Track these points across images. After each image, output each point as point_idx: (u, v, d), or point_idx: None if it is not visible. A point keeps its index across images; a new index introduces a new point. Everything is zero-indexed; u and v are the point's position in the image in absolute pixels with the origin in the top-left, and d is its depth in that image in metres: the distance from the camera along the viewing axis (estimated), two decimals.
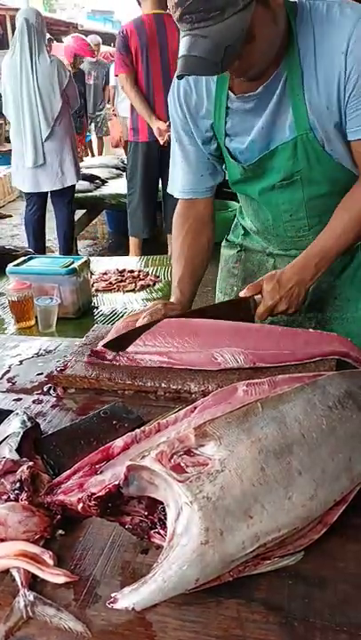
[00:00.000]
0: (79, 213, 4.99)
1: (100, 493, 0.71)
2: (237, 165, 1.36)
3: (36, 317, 1.93)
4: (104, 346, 1.24)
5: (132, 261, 2.96)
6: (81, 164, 4.74)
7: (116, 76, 4.10)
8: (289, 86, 1.21)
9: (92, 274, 2.49)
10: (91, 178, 5.15)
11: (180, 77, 1.15)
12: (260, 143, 1.30)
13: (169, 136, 3.91)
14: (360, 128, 1.20)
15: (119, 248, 4.55)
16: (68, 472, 0.80)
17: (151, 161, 4.00)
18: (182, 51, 1.07)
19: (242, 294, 1.33)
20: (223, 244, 1.71)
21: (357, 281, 1.48)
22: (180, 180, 1.48)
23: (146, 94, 3.90)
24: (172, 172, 1.50)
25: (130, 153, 4.27)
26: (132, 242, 4.38)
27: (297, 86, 1.20)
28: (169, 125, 3.92)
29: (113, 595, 0.64)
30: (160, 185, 4.18)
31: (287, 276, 1.31)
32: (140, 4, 3.92)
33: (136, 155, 4.15)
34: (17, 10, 4.78)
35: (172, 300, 1.42)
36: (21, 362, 1.34)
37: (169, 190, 1.53)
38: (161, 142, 3.90)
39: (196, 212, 1.49)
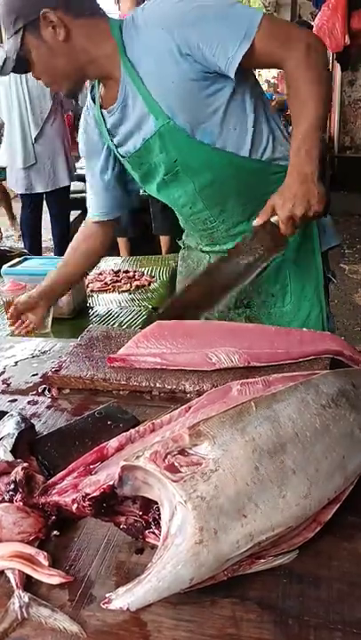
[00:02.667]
0: (74, 214, 4.98)
1: (94, 494, 0.71)
2: (130, 168, 1.50)
3: None
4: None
5: (127, 262, 2.95)
6: (76, 165, 4.73)
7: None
8: (135, 87, 1.32)
9: (87, 274, 2.49)
10: (85, 179, 5.12)
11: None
12: (140, 144, 1.41)
13: None
14: (229, 46, 1.23)
15: (114, 248, 4.55)
16: (63, 473, 0.80)
17: None
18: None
19: (255, 223, 1.28)
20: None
21: (281, 277, 1.50)
22: (89, 203, 1.69)
23: None
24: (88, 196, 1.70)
25: None
26: (120, 242, 4.39)
27: (139, 84, 1.32)
28: None
29: (107, 595, 0.64)
30: None
31: (287, 182, 1.24)
32: (118, 2, 3.94)
33: None
34: None
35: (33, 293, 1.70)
36: (16, 363, 1.34)
37: (89, 216, 1.69)
38: None
39: (94, 232, 1.69)
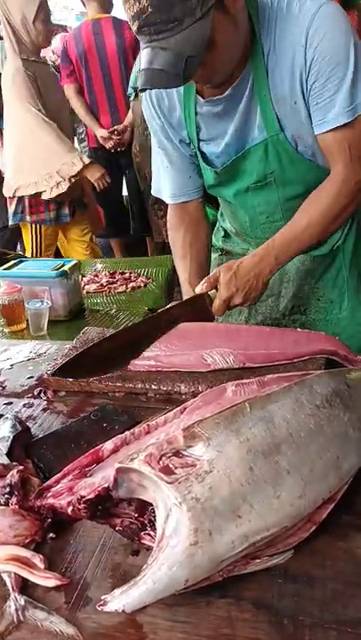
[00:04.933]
0: None
1: (89, 496, 0.72)
2: (210, 170, 1.36)
3: (27, 321, 1.93)
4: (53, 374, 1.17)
5: (122, 263, 2.96)
6: None
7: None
8: (256, 87, 1.20)
9: (83, 276, 2.49)
10: None
11: (142, 91, 1.14)
12: (234, 146, 1.30)
13: (114, 141, 3.93)
14: (321, 121, 1.19)
15: (110, 250, 4.56)
16: (58, 475, 0.80)
17: (103, 164, 4.03)
18: (143, 64, 1.05)
19: (198, 290, 1.29)
20: None
21: (339, 282, 1.48)
22: (167, 186, 1.48)
23: (90, 102, 3.92)
24: (156, 178, 1.50)
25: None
26: (114, 243, 4.41)
27: (263, 86, 1.19)
28: (111, 132, 3.92)
29: (103, 597, 0.64)
30: (124, 187, 4.21)
31: (245, 268, 1.28)
32: (84, 5, 3.95)
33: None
34: None
35: (184, 297, 1.42)
36: (12, 366, 1.34)
37: (155, 194, 1.53)
38: (108, 147, 3.94)
39: (189, 213, 1.49)
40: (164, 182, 1.48)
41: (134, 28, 1.04)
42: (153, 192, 1.54)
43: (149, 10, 0.99)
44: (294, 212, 1.33)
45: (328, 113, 1.17)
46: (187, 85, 1.25)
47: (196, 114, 1.29)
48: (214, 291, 1.29)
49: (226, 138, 1.29)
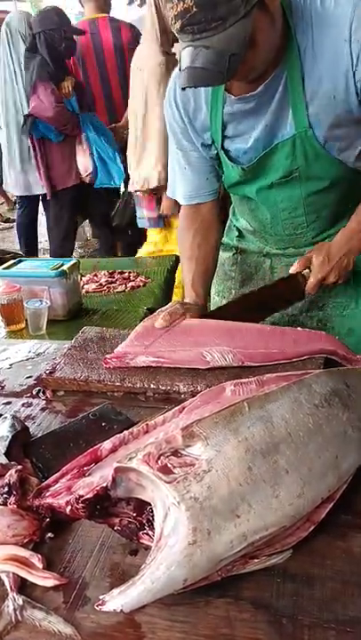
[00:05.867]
0: None
1: (88, 496, 0.71)
2: (236, 167, 1.36)
3: (26, 320, 1.93)
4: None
5: (122, 262, 2.95)
6: None
7: None
8: (290, 83, 1.20)
9: (82, 276, 2.48)
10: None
11: (183, 89, 1.15)
12: (263, 141, 1.29)
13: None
14: None
15: (109, 249, 4.56)
16: (57, 475, 0.80)
17: None
18: (185, 62, 1.06)
19: (292, 270, 1.35)
20: None
21: (356, 277, 1.48)
22: (182, 187, 1.48)
23: (88, 102, 3.92)
24: (172, 178, 1.50)
25: None
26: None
27: (297, 83, 1.19)
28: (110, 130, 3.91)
29: (101, 597, 0.64)
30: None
31: (336, 247, 1.32)
32: (82, 5, 3.96)
33: None
34: (7, 13, 4.78)
35: (186, 300, 1.42)
36: (11, 365, 1.34)
37: (170, 195, 1.54)
38: None
39: (202, 215, 1.49)
40: (180, 183, 1.48)
41: (177, 26, 1.04)
42: (168, 192, 1.54)
43: (194, 9, 1.00)
44: (316, 207, 1.36)
45: None
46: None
47: (223, 112, 1.29)
48: (308, 271, 1.34)
49: (255, 134, 1.29)
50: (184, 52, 1.06)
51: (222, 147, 1.35)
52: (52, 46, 3.44)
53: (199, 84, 1.11)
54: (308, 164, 1.30)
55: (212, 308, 1.62)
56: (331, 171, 1.32)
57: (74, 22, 3.93)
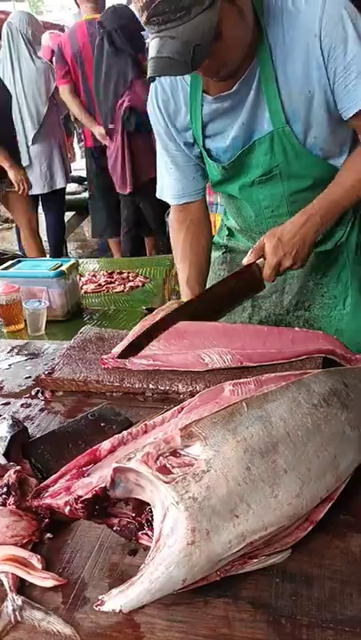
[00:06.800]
0: (68, 215, 4.98)
1: (87, 496, 0.71)
2: (217, 165, 1.37)
3: (26, 321, 1.93)
4: (118, 357, 1.21)
5: (120, 263, 2.95)
6: (72, 166, 4.75)
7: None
8: (263, 81, 1.22)
9: (80, 276, 2.48)
10: (80, 180, 5.15)
11: (151, 80, 1.17)
12: (242, 139, 1.31)
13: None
14: (354, 103, 1.20)
15: (108, 250, 4.56)
16: (56, 475, 0.80)
17: (101, 164, 4.03)
18: (152, 52, 1.08)
19: (245, 261, 1.32)
20: None
21: (343, 278, 1.49)
22: (170, 187, 1.49)
23: (86, 102, 3.93)
24: (160, 179, 1.51)
25: (85, 158, 4.36)
26: (112, 243, 4.41)
27: (270, 80, 1.21)
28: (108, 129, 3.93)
29: (100, 597, 0.64)
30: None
31: (289, 231, 1.28)
32: (78, 5, 3.96)
33: (87, 160, 4.27)
34: (8, 14, 4.80)
35: (183, 299, 1.42)
36: (10, 366, 1.34)
37: (158, 196, 1.54)
38: (105, 144, 3.94)
39: (191, 214, 1.50)
40: (167, 183, 1.49)
41: (143, 18, 1.06)
42: (157, 194, 1.55)
43: (158, 0, 1.02)
44: (300, 205, 1.34)
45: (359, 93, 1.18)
46: (194, 84, 1.27)
47: (202, 111, 1.30)
48: (262, 260, 1.30)
49: (233, 132, 1.30)
50: (151, 43, 1.08)
51: (203, 146, 1.37)
52: (132, 41, 3.47)
53: (165, 72, 1.12)
54: (288, 162, 1.31)
55: None
56: (313, 169, 1.32)
57: (71, 23, 3.93)
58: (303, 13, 1.16)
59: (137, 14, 1.09)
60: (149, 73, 1.09)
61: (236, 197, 1.45)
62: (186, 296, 1.44)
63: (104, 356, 1.22)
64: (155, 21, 1.04)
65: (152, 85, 1.37)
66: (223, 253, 1.66)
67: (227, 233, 1.66)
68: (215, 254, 1.66)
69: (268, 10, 1.18)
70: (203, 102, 1.29)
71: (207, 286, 1.58)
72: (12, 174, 3.51)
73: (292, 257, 1.28)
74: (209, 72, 1.18)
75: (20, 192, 3.58)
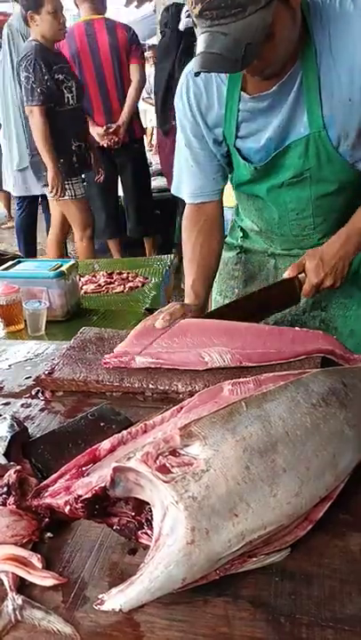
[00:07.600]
0: None
1: (86, 495, 0.72)
2: (248, 166, 1.35)
3: (25, 321, 1.93)
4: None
5: (120, 263, 2.96)
6: None
7: None
8: (305, 84, 1.21)
9: (80, 276, 2.49)
10: None
11: (197, 74, 1.14)
12: (276, 141, 1.30)
13: (111, 140, 3.94)
14: None
15: (108, 250, 4.56)
16: (55, 475, 0.80)
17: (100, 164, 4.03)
18: (201, 47, 1.06)
19: (286, 275, 1.36)
20: None
21: (359, 278, 1.48)
22: (188, 184, 1.47)
23: (85, 102, 3.93)
24: (178, 175, 1.50)
25: None
26: (112, 243, 4.41)
27: (313, 84, 1.20)
28: (106, 130, 3.94)
29: (100, 596, 0.64)
30: (120, 187, 4.22)
31: (330, 252, 1.33)
32: (77, 6, 3.96)
33: None
34: (9, 15, 4.80)
35: (186, 302, 1.42)
36: (10, 366, 1.34)
37: (174, 192, 1.53)
38: (103, 144, 3.94)
39: (206, 213, 1.49)
40: (186, 181, 1.48)
41: (195, 11, 1.04)
42: (172, 190, 1.53)
43: None
44: (324, 210, 1.37)
45: None
46: (232, 81, 1.26)
47: (238, 109, 1.29)
48: (303, 275, 1.36)
49: (268, 133, 1.29)
50: (201, 38, 1.06)
51: (234, 145, 1.35)
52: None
53: (214, 69, 1.11)
54: (319, 166, 1.30)
55: (214, 307, 1.63)
56: (341, 174, 1.32)
57: (70, 24, 3.93)
58: (351, 17, 1.15)
59: (187, 6, 1.06)
60: (197, 67, 1.08)
61: (260, 198, 1.44)
62: (189, 298, 1.44)
63: (106, 356, 1.22)
64: (208, 15, 1.02)
65: (183, 78, 1.35)
66: (238, 254, 1.65)
67: (241, 234, 1.65)
68: (229, 254, 1.65)
69: (316, 11, 1.18)
70: (240, 101, 1.27)
71: (214, 286, 1.61)
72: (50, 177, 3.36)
73: (332, 277, 1.34)
74: (254, 71, 1.17)
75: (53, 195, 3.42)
